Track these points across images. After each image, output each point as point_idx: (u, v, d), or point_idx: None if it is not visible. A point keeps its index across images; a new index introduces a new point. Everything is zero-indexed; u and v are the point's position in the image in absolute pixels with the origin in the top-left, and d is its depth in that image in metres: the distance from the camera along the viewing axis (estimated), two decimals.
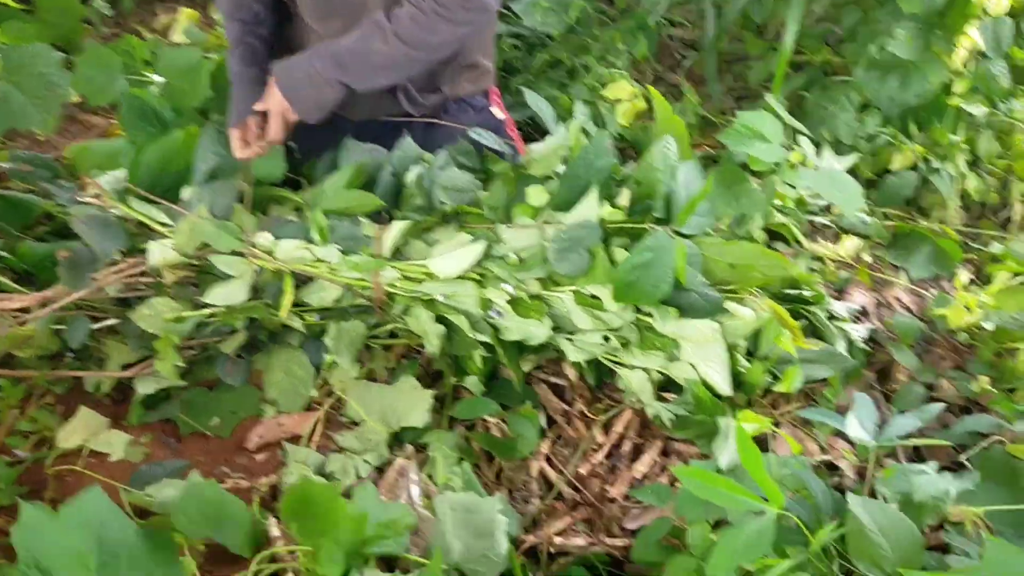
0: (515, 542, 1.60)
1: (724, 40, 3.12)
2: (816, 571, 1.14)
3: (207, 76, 2.20)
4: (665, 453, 1.81)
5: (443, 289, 1.78)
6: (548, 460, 1.79)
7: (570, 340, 1.82)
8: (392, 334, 1.92)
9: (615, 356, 1.81)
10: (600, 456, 1.79)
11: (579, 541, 1.63)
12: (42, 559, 1.07)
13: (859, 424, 1.42)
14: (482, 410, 1.78)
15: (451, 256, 1.80)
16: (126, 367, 1.80)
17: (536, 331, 1.78)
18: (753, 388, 1.78)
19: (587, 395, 1.90)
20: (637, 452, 1.82)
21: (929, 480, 1.26)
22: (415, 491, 1.66)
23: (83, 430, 1.67)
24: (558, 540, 1.63)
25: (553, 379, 1.92)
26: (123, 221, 1.87)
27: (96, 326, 1.82)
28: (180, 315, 1.77)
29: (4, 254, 1.92)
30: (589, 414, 1.86)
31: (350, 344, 1.88)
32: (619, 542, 1.63)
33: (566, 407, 1.88)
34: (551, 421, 1.86)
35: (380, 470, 1.74)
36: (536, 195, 1.85)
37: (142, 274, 1.82)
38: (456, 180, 1.90)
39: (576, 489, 1.75)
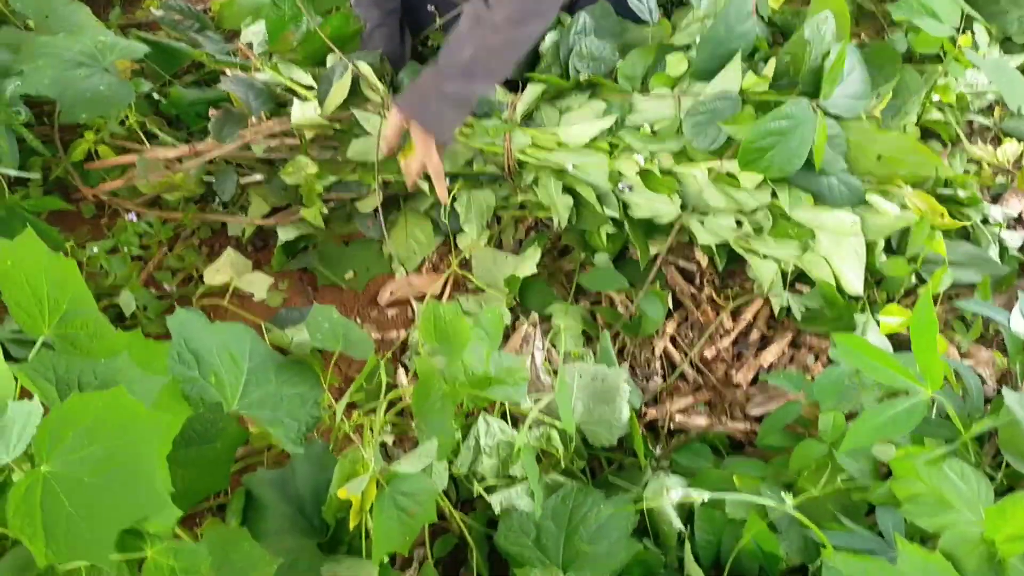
0: (636, 414, 1.61)
1: None
2: (967, 461, 1.10)
3: None
4: (795, 345, 1.77)
5: (573, 159, 1.75)
6: (673, 341, 1.79)
7: (700, 222, 1.78)
8: (522, 206, 1.92)
9: (747, 244, 1.76)
10: (726, 342, 1.77)
11: (700, 421, 1.63)
12: (195, 347, 1.12)
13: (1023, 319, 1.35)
14: (610, 283, 1.77)
15: (582, 124, 1.76)
16: (269, 216, 1.86)
17: (665, 208, 1.73)
18: (895, 285, 1.71)
19: (717, 281, 1.87)
20: (765, 342, 1.79)
21: None
22: (539, 356, 1.68)
23: (229, 269, 1.74)
24: (679, 418, 1.63)
25: (682, 263, 1.90)
26: (269, 86, 1.90)
27: (243, 180, 1.88)
28: (321, 171, 1.81)
29: (157, 97, 1.98)
30: (718, 300, 1.83)
31: (479, 213, 1.89)
32: (740, 426, 1.62)
33: (694, 291, 1.85)
34: (678, 304, 1.84)
35: (505, 336, 1.76)
36: (675, 64, 1.76)
37: (285, 134, 1.84)
38: (594, 49, 1.84)
39: (699, 372, 1.74)
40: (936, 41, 1.78)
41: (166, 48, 2.06)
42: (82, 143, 1.90)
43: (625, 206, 1.78)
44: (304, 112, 1.81)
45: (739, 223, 1.73)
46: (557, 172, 1.78)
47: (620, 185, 1.75)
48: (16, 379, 0.79)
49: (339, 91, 1.79)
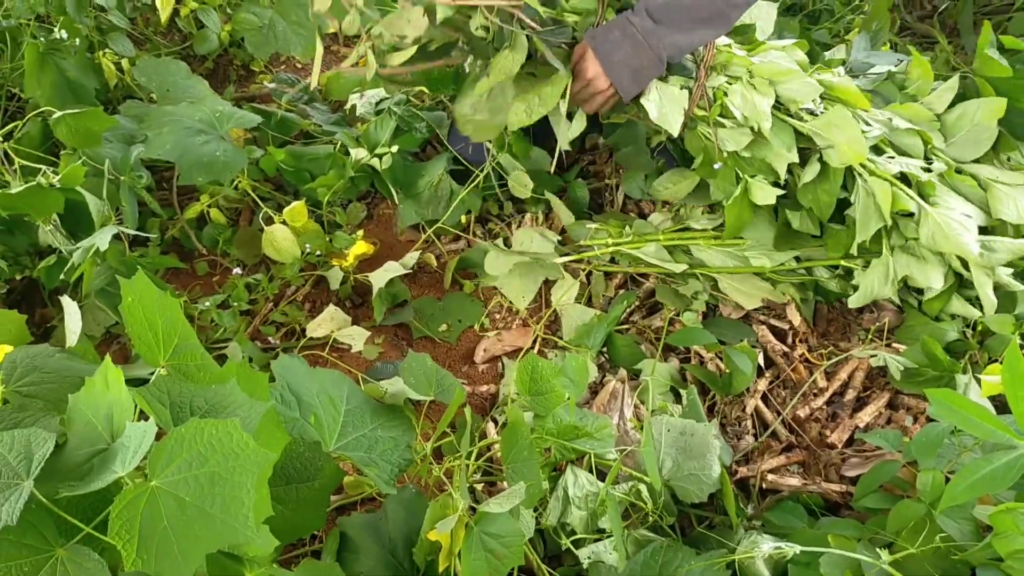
0: (727, 471, 1.59)
1: None
2: None
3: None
4: (892, 406, 1.73)
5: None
6: (764, 400, 1.76)
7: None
8: (613, 260, 1.95)
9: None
10: (820, 402, 1.74)
11: (793, 481, 1.59)
12: (296, 390, 1.18)
13: None
14: (699, 339, 1.76)
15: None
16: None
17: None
18: (998, 346, 1.66)
19: (811, 340, 1.85)
20: (860, 403, 1.75)
21: None
22: (627, 412, 1.68)
23: (330, 323, 1.82)
24: (771, 477, 1.60)
25: (774, 321, 1.88)
26: None
27: None
28: None
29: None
30: (811, 359, 1.81)
31: None
32: (835, 487, 1.58)
33: (787, 349, 1.83)
34: (770, 363, 1.82)
35: (594, 392, 1.77)
36: None
37: None
38: None
39: (792, 431, 1.71)
40: None
41: (277, 118, 2.20)
42: (196, 205, 2.03)
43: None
44: None
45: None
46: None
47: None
48: (136, 403, 0.85)
49: None
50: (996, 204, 1.66)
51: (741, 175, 1.68)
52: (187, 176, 1.84)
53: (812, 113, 1.65)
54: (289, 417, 1.17)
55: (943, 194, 1.66)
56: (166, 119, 1.90)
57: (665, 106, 1.61)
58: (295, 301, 1.96)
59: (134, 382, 1.15)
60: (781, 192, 1.68)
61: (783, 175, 1.67)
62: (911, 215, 1.64)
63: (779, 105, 1.65)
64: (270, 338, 1.87)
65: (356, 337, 1.80)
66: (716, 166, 1.69)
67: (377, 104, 2.26)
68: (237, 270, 1.92)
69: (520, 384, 1.33)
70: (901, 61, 1.90)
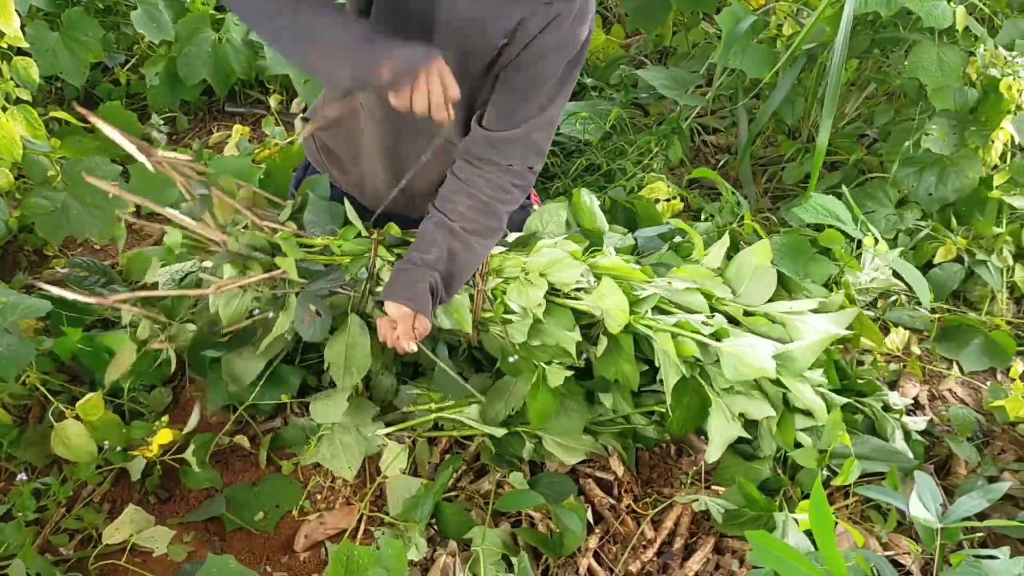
0: None
1: (758, 143, 3.17)
2: None
3: (256, 182, 2.28)
4: (718, 550, 1.75)
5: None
6: (596, 557, 1.74)
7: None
8: (437, 425, 1.91)
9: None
10: (650, 554, 1.74)
11: None
12: None
13: (922, 504, 1.35)
14: (527, 502, 1.74)
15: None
16: None
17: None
18: (809, 480, 1.73)
19: (635, 490, 1.86)
20: (689, 550, 1.76)
21: (1003, 566, 1.20)
22: None
23: (129, 526, 1.66)
24: None
25: (599, 474, 1.89)
26: None
27: None
28: None
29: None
30: (637, 509, 1.81)
31: None
32: None
33: (614, 502, 1.83)
34: (599, 517, 1.81)
35: (425, 569, 1.69)
36: None
37: None
38: None
39: None
40: (840, 240, 1.95)
41: (72, 304, 2.06)
42: None
43: None
44: None
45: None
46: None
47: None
48: None
49: None
50: (795, 335, 1.79)
51: (537, 364, 1.78)
52: None
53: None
54: None
55: (738, 336, 1.76)
56: None
57: (453, 313, 1.82)
58: (92, 503, 1.79)
59: None
60: (571, 373, 1.78)
61: (575, 356, 1.79)
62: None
63: (556, 291, 1.79)
64: (62, 548, 1.68)
65: (159, 538, 1.64)
66: (511, 359, 1.81)
67: (182, 280, 2.17)
68: (22, 476, 1.74)
69: None
70: (669, 230, 2.08)
